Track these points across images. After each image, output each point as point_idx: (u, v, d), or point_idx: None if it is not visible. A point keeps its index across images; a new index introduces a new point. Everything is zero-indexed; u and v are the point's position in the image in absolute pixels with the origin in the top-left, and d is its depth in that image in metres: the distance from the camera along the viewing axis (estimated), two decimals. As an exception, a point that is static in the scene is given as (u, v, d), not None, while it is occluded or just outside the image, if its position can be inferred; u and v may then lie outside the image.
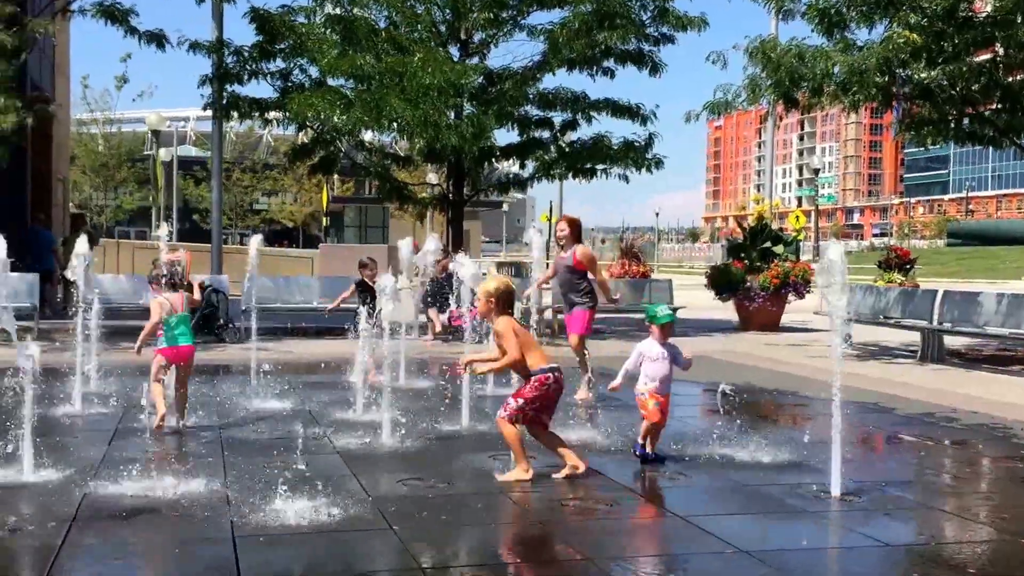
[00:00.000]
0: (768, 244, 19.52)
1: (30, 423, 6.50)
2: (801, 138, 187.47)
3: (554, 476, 6.53)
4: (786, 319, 19.35)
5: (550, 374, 6.43)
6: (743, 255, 19.46)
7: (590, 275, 10.28)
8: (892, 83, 14.23)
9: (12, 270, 16.07)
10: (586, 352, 10.21)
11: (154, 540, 5.23)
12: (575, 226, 10.38)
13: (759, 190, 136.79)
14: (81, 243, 10.73)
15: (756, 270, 18.87)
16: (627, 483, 6.61)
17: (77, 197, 47.03)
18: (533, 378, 6.43)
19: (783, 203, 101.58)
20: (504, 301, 6.51)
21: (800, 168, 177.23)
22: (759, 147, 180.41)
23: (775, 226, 22.76)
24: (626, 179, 19.76)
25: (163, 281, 8.48)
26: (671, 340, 7.20)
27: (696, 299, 21.05)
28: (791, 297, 19.02)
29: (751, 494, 6.42)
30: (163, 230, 11.17)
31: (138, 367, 12.05)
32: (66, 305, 18.58)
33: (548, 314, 17.83)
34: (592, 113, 19.38)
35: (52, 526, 5.32)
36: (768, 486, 6.58)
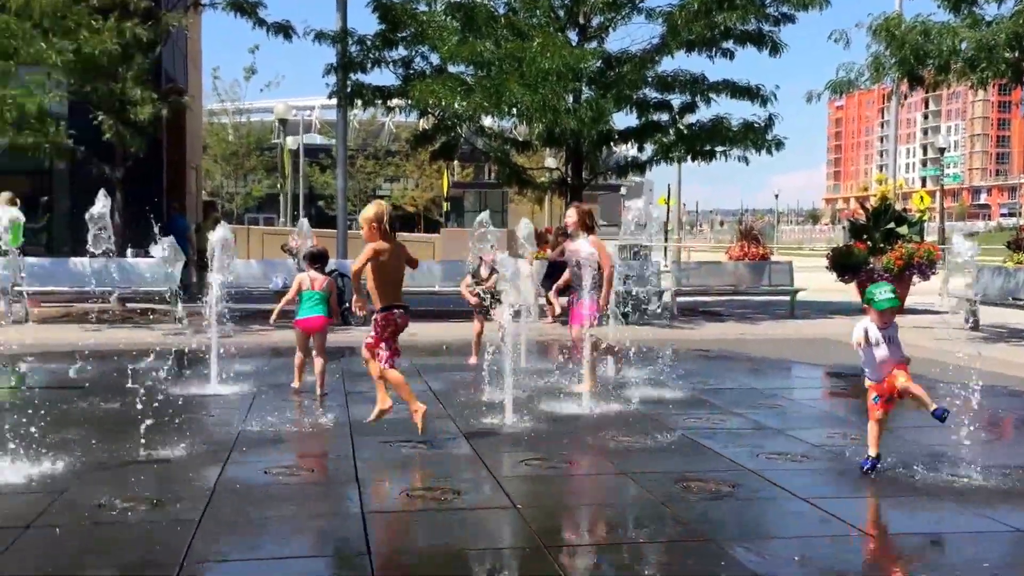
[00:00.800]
0: (892, 225, 18.97)
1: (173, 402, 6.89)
2: (926, 116, 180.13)
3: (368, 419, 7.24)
4: (910, 301, 18.77)
5: (394, 310, 7.06)
6: (866, 236, 18.97)
7: (602, 265, 9.60)
8: (1022, 59, 13.65)
9: (149, 254, 16.99)
10: (595, 348, 9.39)
11: (287, 515, 5.44)
12: (585, 216, 9.87)
13: (882, 170, 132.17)
14: (220, 230, 11.23)
15: (879, 251, 18.38)
16: (750, 465, 6.57)
17: (209, 185, 48.94)
18: (380, 315, 7.06)
19: (907, 183, 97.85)
20: (389, 226, 7.07)
21: (924, 148, 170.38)
22: (882, 127, 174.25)
23: (898, 207, 22.01)
24: (746, 161, 19.48)
25: (309, 259, 9.45)
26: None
27: (817, 281, 20.63)
28: (915, 279, 18.45)
29: (876, 478, 6.31)
30: (304, 225, 11.64)
31: (269, 348, 12.62)
32: (201, 289, 19.50)
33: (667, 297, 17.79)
34: (711, 95, 19.14)
35: (191, 501, 5.63)
36: (893, 470, 6.48)
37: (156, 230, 7.52)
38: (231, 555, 4.89)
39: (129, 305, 17.25)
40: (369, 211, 7.07)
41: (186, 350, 10.56)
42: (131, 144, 16.27)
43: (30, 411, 7.76)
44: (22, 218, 17.00)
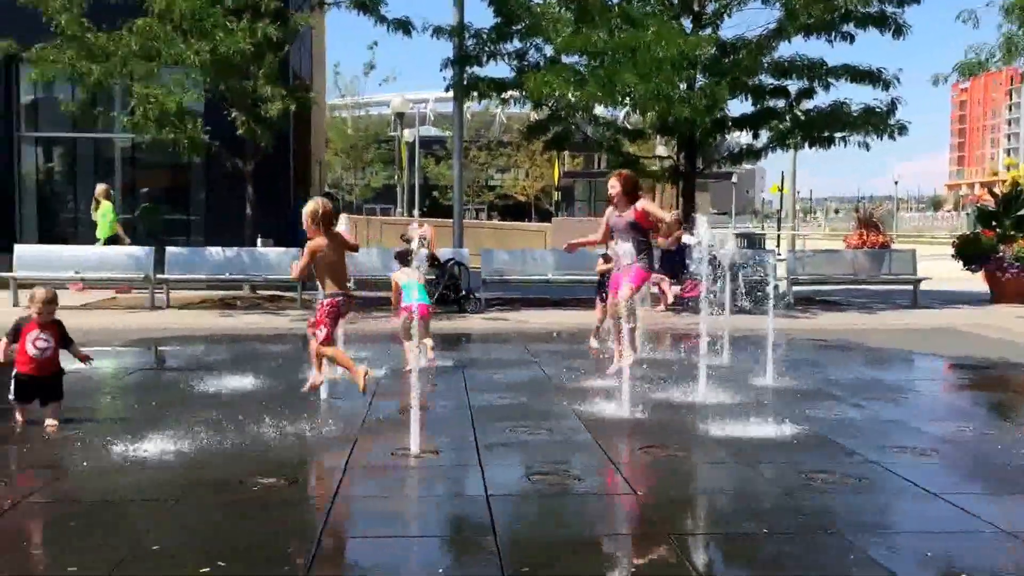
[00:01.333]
0: (1023, 211, 18.29)
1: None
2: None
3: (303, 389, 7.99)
4: (1044, 292, 18.08)
5: (339, 298, 7.88)
6: (994, 223, 18.35)
7: (658, 220, 9.57)
8: None
9: (278, 244, 17.74)
10: (636, 317, 9.29)
11: (413, 496, 5.66)
12: (630, 182, 9.53)
13: (1009, 154, 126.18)
14: (342, 221, 11.67)
15: (1010, 239, 17.76)
16: (875, 457, 6.49)
17: (330, 177, 50.32)
18: (325, 301, 7.89)
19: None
20: (324, 221, 7.81)
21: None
22: (1010, 109, 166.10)
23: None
24: (866, 147, 19.06)
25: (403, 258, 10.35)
26: None
27: (940, 270, 20.07)
28: (1051, 268, 17.76)
29: (1008, 473, 6.21)
30: (417, 227, 12.17)
31: (390, 333, 13.02)
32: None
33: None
34: (830, 80, 18.77)
35: (324, 479, 5.92)
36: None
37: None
38: (363, 532, 5.12)
39: (259, 292, 18.05)
40: (306, 209, 7.86)
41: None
42: (262, 139, 16.99)
43: (172, 391, 8.30)
44: (111, 211, 18.03)
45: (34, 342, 7.06)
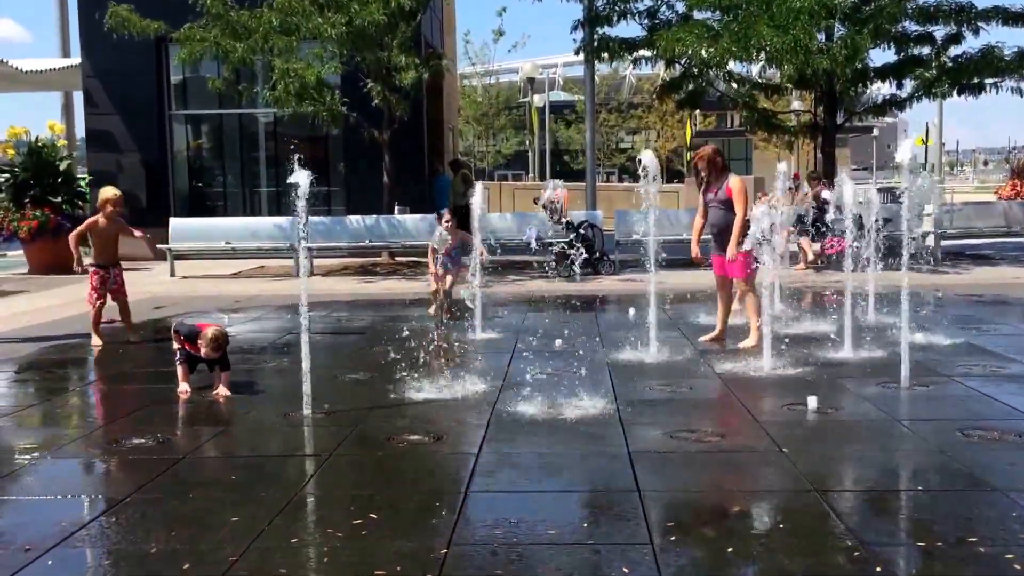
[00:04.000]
0: None
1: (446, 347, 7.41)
2: None
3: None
4: None
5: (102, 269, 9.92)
6: None
7: (736, 208, 8.89)
8: None
9: (414, 212, 18.10)
10: (756, 296, 8.89)
11: (557, 452, 5.72)
12: (714, 159, 9.07)
13: None
14: (479, 186, 11.97)
15: None
16: (1025, 410, 6.24)
17: (461, 144, 50.90)
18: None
19: None
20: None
21: None
22: None
23: None
24: (1021, 92, 18.04)
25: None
26: None
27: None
28: None
29: None
30: (551, 183, 12.21)
31: (526, 296, 13.17)
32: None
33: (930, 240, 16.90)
34: (980, 23, 17.81)
35: (468, 436, 6.07)
36: None
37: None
38: (509, 487, 5.20)
39: (398, 259, 18.50)
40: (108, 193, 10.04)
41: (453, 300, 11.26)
42: (397, 108, 17.33)
43: (322, 354, 8.64)
44: None
45: (203, 354, 7.37)
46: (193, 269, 17.21)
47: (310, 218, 17.58)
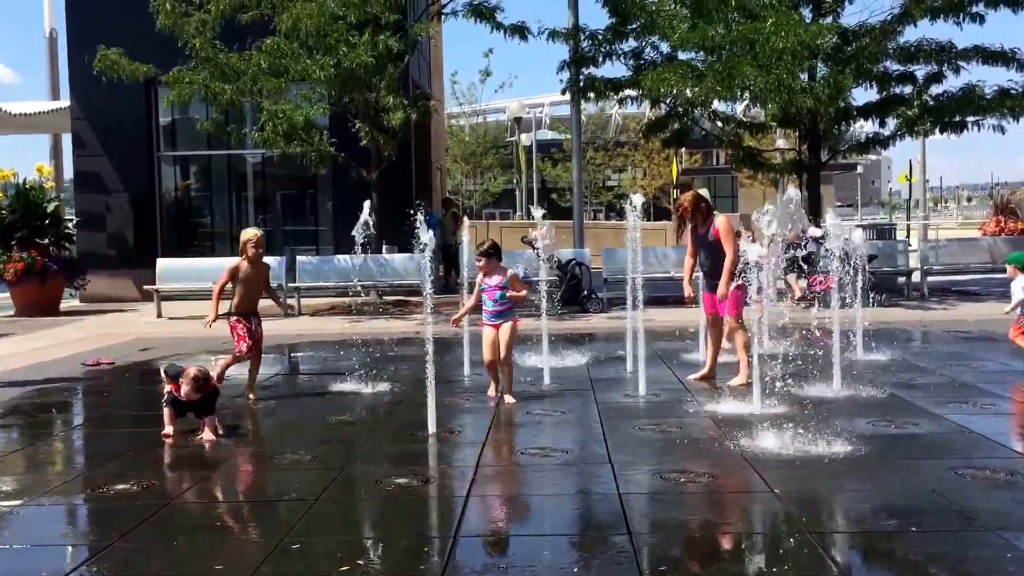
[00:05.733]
0: None
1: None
2: None
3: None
4: None
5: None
6: None
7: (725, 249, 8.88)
8: None
9: (401, 251, 18.12)
10: (745, 334, 8.90)
11: (545, 494, 5.67)
12: (696, 204, 9.09)
13: None
14: (464, 229, 11.98)
15: None
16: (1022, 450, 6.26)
17: (450, 183, 51.11)
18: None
19: None
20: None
21: None
22: None
23: None
24: (1002, 130, 18.22)
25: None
26: None
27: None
28: None
29: None
30: (538, 212, 12.03)
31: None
32: (447, 280, 20.56)
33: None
34: (960, 63, 18.04)
35: (457, 479, 6.05)
36: None
37: (420, 221, 8.07)
38: (498, 531, 5.18)
39: (386, 298, 18.47)
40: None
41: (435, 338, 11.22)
42: (385, 148, 17.42)
43: (308, 394, 8.59)
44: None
45: (183, 393, 7.27)
46: (181, 310, 17.13)
47: (298, 257, 17.74)
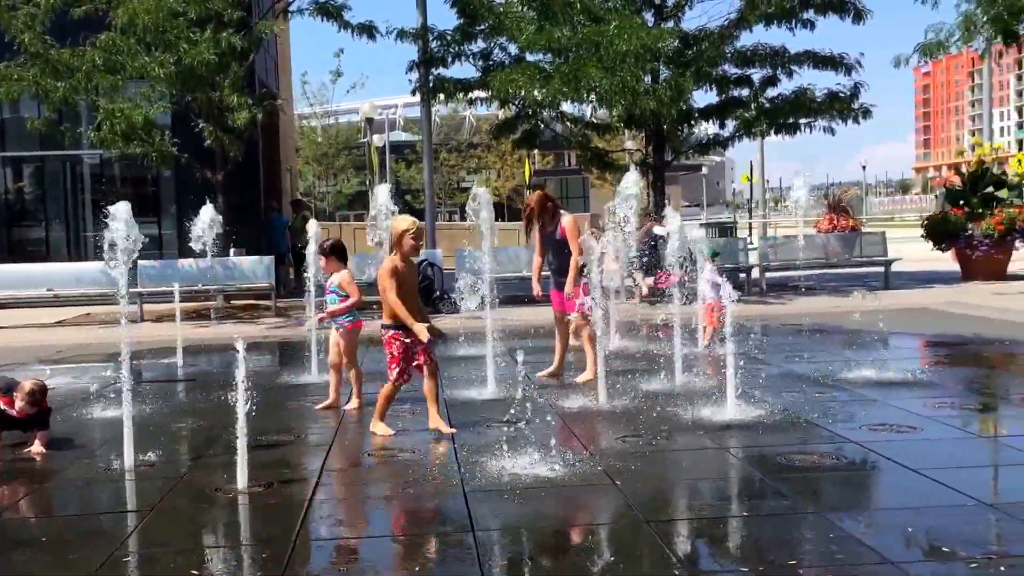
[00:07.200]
0: (990, 189, 18.53)
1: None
2: (1019, 78, 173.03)
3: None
4: (1014, 267, 18.33)
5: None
6: (962, 202, 18.57)
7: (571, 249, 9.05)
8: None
9: (249, 253, 17.70)
10: (592, 331, 8.88)
11: (391, 495, 5.63)
12: (542, 203, 9.25)
13: (975, 135, 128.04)
14: (312, 225, 11.72)
15: (978, 217, 17.98)
16: (852, 436, 6.55)
17: (302, 185, 50.21)
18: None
19: (1004, 147, 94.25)
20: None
21: (1020, 110, 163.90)
22: (972, 91, 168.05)
23: (995, 171, 21.49)
24: (832, 131, 19.24)
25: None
26: None
27: (911, 251, 20.25)
28: (1018, 243, 18.01)
29: (986, 446, 6.36)
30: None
31: (366, 337, 13.00)
32: (298, 284, 20.18)
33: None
34: (792, 67, 18.94)
35: (300, 483, 5.96)
36: (1006, 437, 6.48)
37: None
38: (341, 533, 5.13)
39: (233, 301, 17.99)
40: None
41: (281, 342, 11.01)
42: (230, 149, 16.96)
43: (148, 403, 8.27)
44: None
45: (14, 407, 6.87)
46: (13, 318, 16.22)
47: (139, 262, 17.05)
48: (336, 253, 8.29)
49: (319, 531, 5.09)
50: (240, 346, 5.84)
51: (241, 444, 5.75)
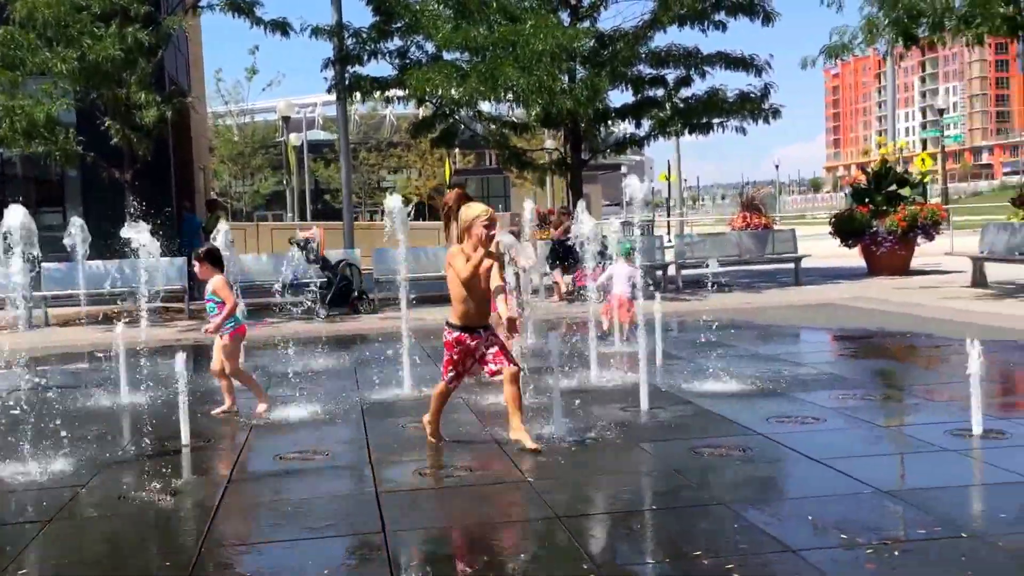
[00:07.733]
0: (894, 187, 19.11)
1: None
2: (923, 80, 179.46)
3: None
4: (916, 262, 18.93)
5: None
6: (868, 200, 19.12)
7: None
8: (1018, 11, 13.69)
9: (163, 255, 17.23)
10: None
11: (302, 498, 5.54)
12: (459, 201, 9.38)
13: (882, 135, 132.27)
14: (223, 224, 11.51)
15: (883, 214, 18.53)
16: (759, 429, 6.67)
17: (217, 185, 49.29)
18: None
19: (908, 146, 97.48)
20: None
21: (924, 111, 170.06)
22: (879, 92, 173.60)
23: (900, 170, 22.19)
24: (743, 131, 19.61)
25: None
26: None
27: (820, 248, 20.80)
28: (920, 240, 18.60)
29: (887, 436, 6.52)
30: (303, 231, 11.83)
31: (279, 339, 12.81)
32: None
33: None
34: (705, 68, 19.24)
35: (209, 489, 5.84)
36: (906, 427, 6.66)
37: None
38: (249, 538, 5.04)
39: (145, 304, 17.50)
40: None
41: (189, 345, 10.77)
42: (138, 147, 16.49)
43: (48, 410, 8.02)
44: None
45: None
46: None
47: (43, 264, 16.51)
48: (210, 259, 8.07)
49: (227, 534, 4.98)
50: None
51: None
